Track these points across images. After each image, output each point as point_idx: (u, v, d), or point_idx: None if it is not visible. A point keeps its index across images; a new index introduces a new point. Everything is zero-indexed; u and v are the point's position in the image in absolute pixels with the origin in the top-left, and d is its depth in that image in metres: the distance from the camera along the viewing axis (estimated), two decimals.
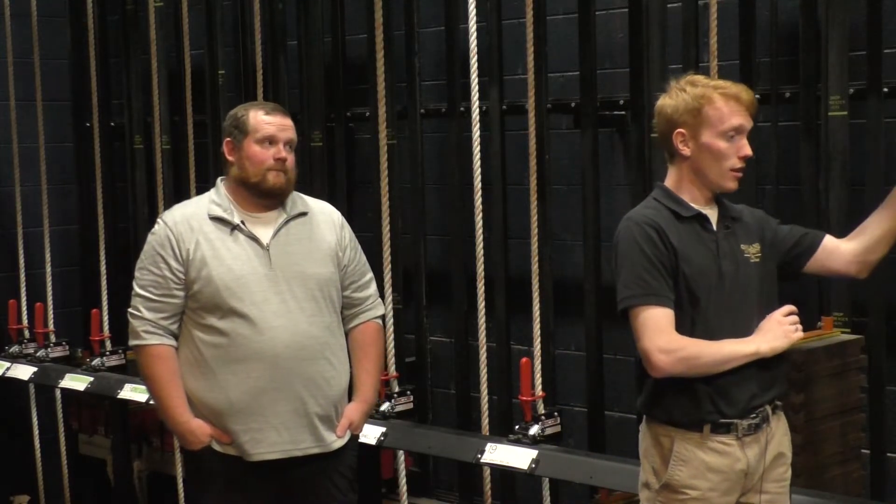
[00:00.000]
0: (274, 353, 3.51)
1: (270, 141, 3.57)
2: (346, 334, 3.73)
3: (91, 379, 5.49)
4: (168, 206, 5.58)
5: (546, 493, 4.45)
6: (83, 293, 6.32)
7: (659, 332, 3.02)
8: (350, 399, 3.73)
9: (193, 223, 3.57)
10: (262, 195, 3.59)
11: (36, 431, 6.00)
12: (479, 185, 4.37)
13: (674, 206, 3.14)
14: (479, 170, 4.35)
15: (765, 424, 3.10)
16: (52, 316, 5.95)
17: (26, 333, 5.99)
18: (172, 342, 3.58)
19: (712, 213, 3.16)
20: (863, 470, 3.81)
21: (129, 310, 3.61)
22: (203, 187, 5.46)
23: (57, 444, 6.00)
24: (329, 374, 3.60)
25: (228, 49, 5.58)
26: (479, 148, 4.33)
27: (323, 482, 3.63)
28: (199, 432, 3.55)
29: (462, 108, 4.76)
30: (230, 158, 3.63)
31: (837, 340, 3.76)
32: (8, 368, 5.83)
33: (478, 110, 4.31)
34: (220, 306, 3.51)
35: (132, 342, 3.61)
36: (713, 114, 3.09)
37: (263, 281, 3.54)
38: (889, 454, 4.00)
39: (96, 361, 5.61)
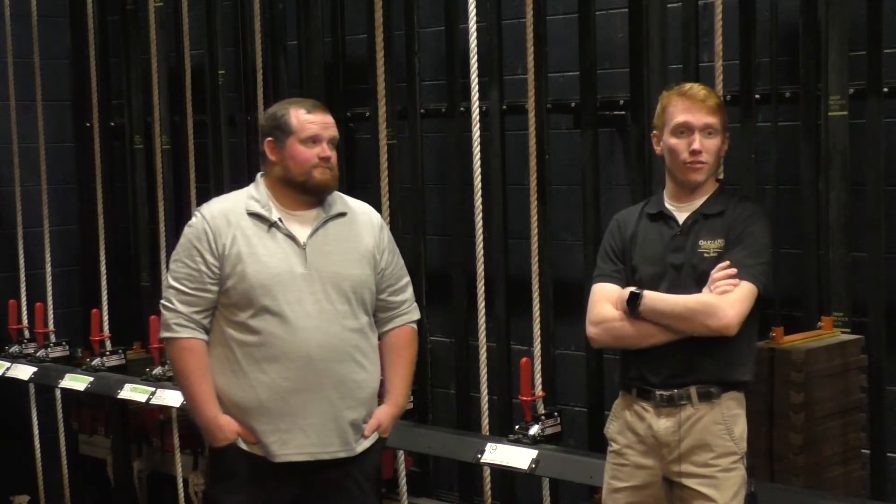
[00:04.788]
0: (306, 353, 3.49)
1: (314, 140, 3.56)
2: (380, 337, 3.71)
3: (91, 379, 5.49)
4: (168, 206, 5.61)
5: (546, 493, 4.45)
6: (83, 293, 6.33)
7: (593, 304, 3.41)
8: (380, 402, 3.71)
9: (231, 217, 3.55)
10: (307, 192, 3.57)
11: (36, 431, 6.01)
12: (479, 185, 4.37)
13: (649, 204, 3.49)
14: (479, 170, 4.35)
15: (684, 402, 3.30)
16: (52, 316, 5.95)
17: (26, 333, 6.00)
18: (204, 336, 3.56)
19: (687, 207, 3.39)
20: (863, 470, 3.81)
21: (162, 301, 3.60)
22: (203, 187, 5.49)
23: (57, 444, 6.00)
24: (360, 376, 3.58)
25: (228, 49, 5.58)
26: (479, 148, 4.33)
27: (348, 485, 3.61)
28: (226, 429, 3.53)
29: (462, 108, 4.76)
30: (272, 158, 3.59)
31: (837, 340, 3.77)
32: (8, 368, 5.83)
33: (478, 110, 4.31)
34: (254, 304, 3.49)
35: (163, 334, 3.60)
36: (668, 114, 3.37)
37: (298, 280, 3.52)
38: (889, 454, 4.00)
39: (96, 361, 5.61)
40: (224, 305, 3.54)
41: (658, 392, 3.33)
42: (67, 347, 5.91)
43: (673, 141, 3.36)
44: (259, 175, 3.66)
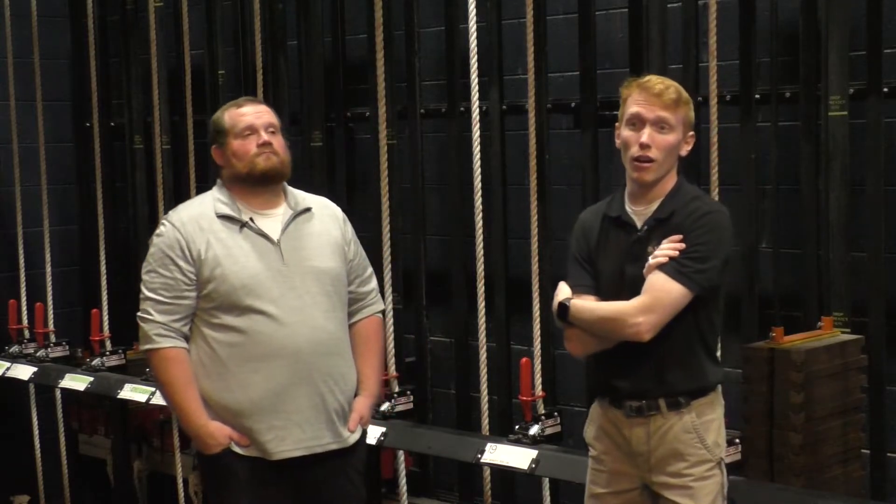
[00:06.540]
0: (295, 349, 3.49)
1: (250, 129, 3.56)
2: (349, 327, 3.72)
3: (91, 379, 5.49)
4: (168, 206, 5.59)
5: (546, 493, 4.45)
6: (83, 293, 6.33)
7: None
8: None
9: (203, 223, 3.54)
10: (257, 182, 3.56)
11: (36, 431, 6.00)
12: (479, 185, 4.37)
13: (609, 205, 3.35)
14: (479, 170, 4.35)
15: (653, 412, 3.24)
16: (52, 316, 5.94)
17: (26, 333, 5.99)
18: (185, 344, 3.53)
19: (644, 212, 3.27)
20: (863, 470, 3.81)
21: (139, 314, 3.56)
22: (203, 187, 5.46)
23: (57, 444, 6.00)
24: (344, 369, 3.61)
25: (228, 49, 5.58)
26: (479, 148, 4.33)
27: (340, 479, 3.63)
28: (217, 435, 3.50)
29: (462, 108, 4.76)
30: (220, 163, 3.62)
31: (837, 340, 3.76)
32: (8, 368, 5.83)
33: (478, 110, 4.31)
34: (237, 304, 3.48)
35: (144, 346, 3.56)
36: (626, 105, 3.25)
37: (278, 277, 3.52)
38: (889, 454, 4.00)
39: (96, 361, 5.61)
40: (204, 309, 3.51)
41: (628, 402, 3.27)
42: (67, 347, 5.91)
43: (626, 133, 3.23)
44: (219, 180, 3.66)
